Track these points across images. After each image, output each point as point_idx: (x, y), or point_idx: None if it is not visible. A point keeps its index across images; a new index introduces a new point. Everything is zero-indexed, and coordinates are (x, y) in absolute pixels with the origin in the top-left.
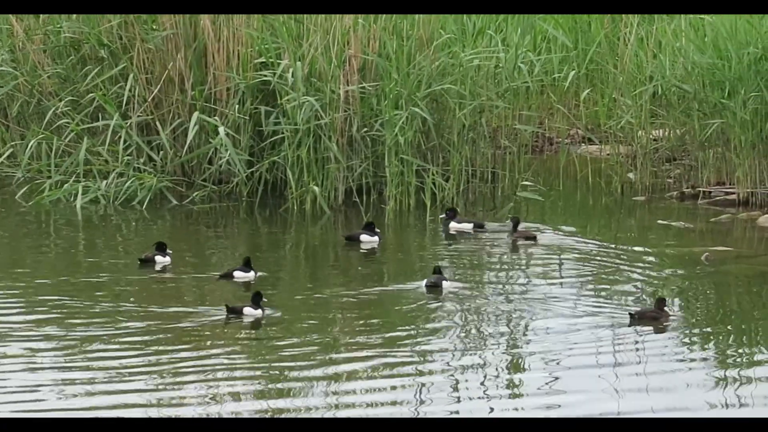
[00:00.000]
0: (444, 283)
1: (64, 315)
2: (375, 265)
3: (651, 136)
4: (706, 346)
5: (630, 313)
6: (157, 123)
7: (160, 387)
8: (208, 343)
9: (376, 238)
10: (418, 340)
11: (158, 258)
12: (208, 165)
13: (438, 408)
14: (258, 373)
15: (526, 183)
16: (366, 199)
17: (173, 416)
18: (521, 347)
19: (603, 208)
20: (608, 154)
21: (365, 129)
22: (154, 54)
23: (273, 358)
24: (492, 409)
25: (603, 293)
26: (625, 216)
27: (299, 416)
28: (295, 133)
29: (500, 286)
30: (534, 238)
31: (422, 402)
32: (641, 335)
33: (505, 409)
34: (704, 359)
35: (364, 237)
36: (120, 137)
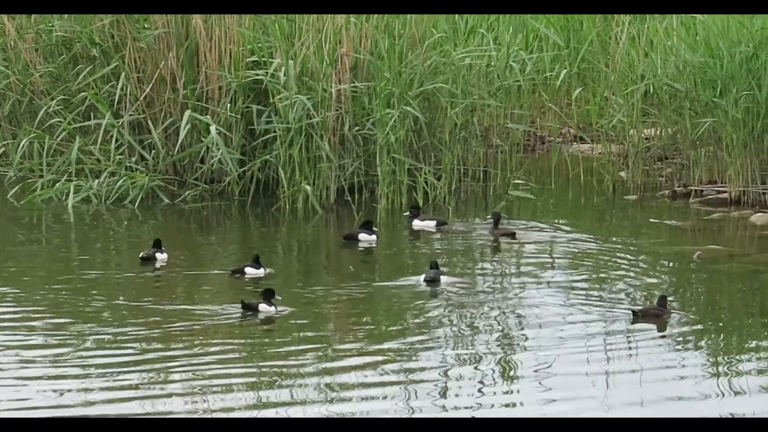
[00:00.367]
0: (442, 277)
1: (54, 314)
2: (368, 264)
3: (643, 135)
4: (699, 344)
5: (633, 311)
6: (149, 122)
7: (150, 385)
8: (201, 340)
9: (374, 236)
10: (408, 337)
11: (158, 255)
12: (200, 164)
13: (431, 404)
14: (252, 370)
15: (518, 182)
16: (358, 198)
17: (164, 415)
18: (515, 344)
19: (595, 207)
20: (600, 153)
21: (357, 128)
22: (146, 53)
23: (268, 355)
24: (483, 406)
25: (594, 291)
26: (616, 215)
27: (293, 415)
28: (287, 132)
29: (493, 283)
30: (513, 234)
31: (416, 399)
32: (633, 332)
33: (500, 405)
34: (696, 356)
35: (362, 236)
36: (112, 136)
